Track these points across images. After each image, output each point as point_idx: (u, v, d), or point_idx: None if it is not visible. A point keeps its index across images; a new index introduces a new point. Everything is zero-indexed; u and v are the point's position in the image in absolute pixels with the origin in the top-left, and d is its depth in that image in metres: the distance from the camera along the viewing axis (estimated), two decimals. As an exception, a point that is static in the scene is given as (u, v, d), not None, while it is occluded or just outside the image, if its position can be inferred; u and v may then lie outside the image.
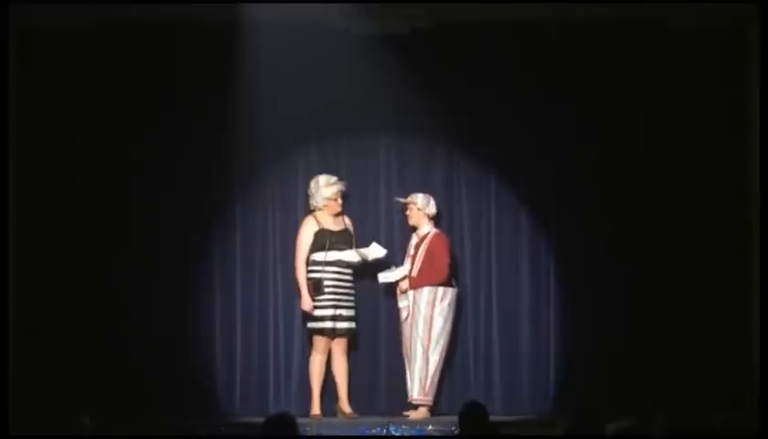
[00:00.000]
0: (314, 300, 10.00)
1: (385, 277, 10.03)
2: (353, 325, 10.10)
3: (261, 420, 6.37)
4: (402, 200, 10.12)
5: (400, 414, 9.91)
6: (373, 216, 10.51)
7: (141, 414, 9.37)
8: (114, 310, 10.07)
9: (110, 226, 10.17)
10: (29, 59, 10.11)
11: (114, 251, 10.14)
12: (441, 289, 9.94)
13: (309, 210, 10.19)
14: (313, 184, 10.16)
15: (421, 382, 9.87)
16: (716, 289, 10.18)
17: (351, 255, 10.03)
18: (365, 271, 10.24)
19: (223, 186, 10.40)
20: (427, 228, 10.08)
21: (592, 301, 10.27)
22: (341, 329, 10.02)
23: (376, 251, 10.07)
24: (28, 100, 10.10)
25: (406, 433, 9.29)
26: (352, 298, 10.11)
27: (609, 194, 10.33)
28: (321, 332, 10.02)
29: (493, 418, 6.98)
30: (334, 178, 10.16)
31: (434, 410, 9.96)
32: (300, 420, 9.41)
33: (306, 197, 10.24)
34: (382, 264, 10.16)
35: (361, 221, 10.40)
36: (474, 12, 10.18)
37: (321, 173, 10.28)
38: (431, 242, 9.99)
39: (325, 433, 9.25)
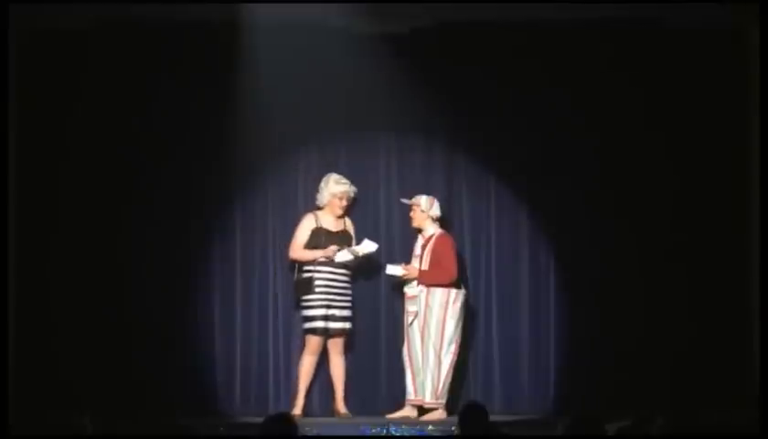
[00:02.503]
0: (304, 299, 10.04)
1: (392, 269, 10.01)
2: (347, 325, 10.11)
3: (261, 420, 6.37)
4: (407, 201, 10.12)
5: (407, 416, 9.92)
6: (373, 216, 10.51)
7: (141, 414, 9.37)
8: (114, 310, 10.07)
9: (110, 226, 10.16)
10: (29, 59, 10.11)
11: (114, 251, 10.13)
12: (453, 291, 9.94)
13: (315, 207, 10.23)
14: (324, 180, 10.20)
15: (433, 386, 9.86)
16: (716, 289, 10.19)
17: (343, 255, 10.04)
18: (366, 270, 10.25)
19: (223, 186, 10.40)
20: (432, 229, 10.09)
21: (592, 301, 10.27)
22: (334, 329, 10.04)
23: (367, 246, 10.08)
24: (28, 100, 10.10)
25: (406, 433, 9.29)
26: (347, 298, 10.12)
27: (609, 194, 10.33)
28: (313, 332, 10.05)
29: (493, 418, 6.98)
30: (345, 180, 10.19)
31: (450, 410, 9.89)
32: (300, 420, 9.53)
33: (314, 193, 10.27)
34: (372, 260, 10.19)
35: (361, 221, 10.40)
36: (474, 12, 10.18)
37: (321, 173, 10.33)
38: (435, 243, 10.00)
39: (324, 433, 9.25)
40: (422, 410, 9.92)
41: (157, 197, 10.23)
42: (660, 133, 10.31)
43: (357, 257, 10.07)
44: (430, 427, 9.45)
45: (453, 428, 8.78)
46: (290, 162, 10.52)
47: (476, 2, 10.16)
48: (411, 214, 10.12)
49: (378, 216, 10.51)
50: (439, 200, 10.21)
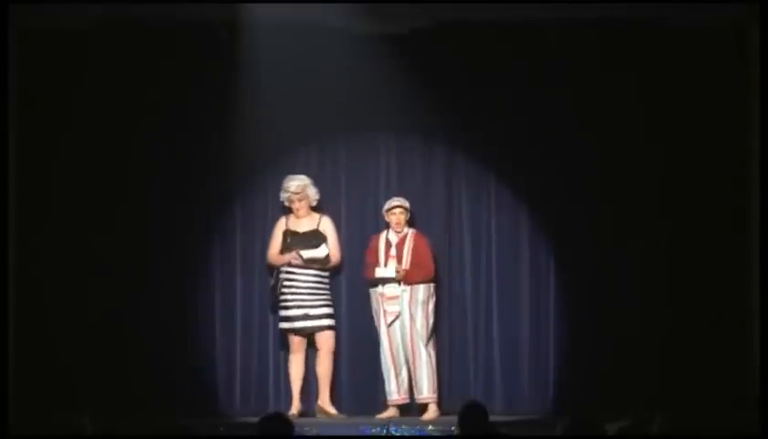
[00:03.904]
0: (278, 300, 10.12)
1: (384, 272, 10.03)
2: (323, 322, 10.12)
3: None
4: (400, 204, 10.11)
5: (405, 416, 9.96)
6: (373, 216, 10.50)
7: (141, 414, 9.37)
8: (114, 310, 10.07)
9: (109, 226, 10.16)
10: (29, 59, 10.11)
11: (114, 252, 10.13)
12: (431, 286, 10.08)
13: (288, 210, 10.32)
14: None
15: (429, 380, 9.96)
16: (716, 289, 10.18)
17: (296, 256, 10.09)
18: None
19: (223, 186, 10.41)
20: (406, 228, 10.14)
21: (592, 301, 10.27)
22: (311, 328, 10.08)
23: (313, 251, 10.11)
24: (28, 100, 10.09)
25: (406, 433, 9.30)
26: (321, 296, 10.13)
27: (609, 194, 10.33)
28: (288, 332, 10.13)
29: (493, 418, 6.98)
30: (292, 182, 10.17)
31: (450, 410, 9.97)
32: (300, 420, 9.53)
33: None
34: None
35: (361, 221, 10.40)
36: (474, 12, 10.18)
37: (320, 173, 10.39)
38: (415, 242, 10.10)
39: (324, 433, 9.26)
40: (420, 407, 9.96)
41: (157, 197, 10.23)
42: (660, 132, 10.30)
43: (301, 258, 10.08)
44: (430, 427, 9.47)
45: (452, 428, 8.79)
46: (290, 162, 10.52)
47: (476, 2, 10.16)
48: (401, 217, 10.11)
49: (377, 216, 10.49)
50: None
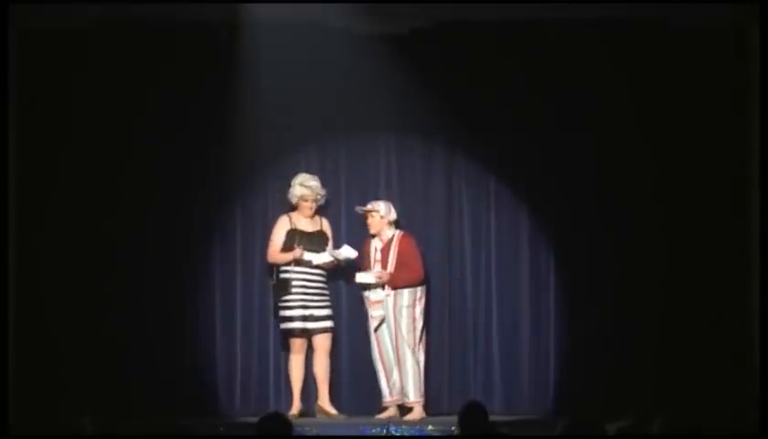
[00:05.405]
0: (282, 300, 10.06)
1: (364, 277, 10.03)
2: (326, 324, 10.13)
3: (259, 420, 6.38)
4: (363, 209, 10.11)
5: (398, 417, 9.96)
6: (373, 216, 10.51)
7: (141, 414, 9.37)
8: (114, 310, 10.07)
9: (110, 226, 10.16)
10: (29, 59, 10.11)
11: (114, 252, 10.13)
12: (419, 289, 10.04)
13: (289, 208, 10.25)
14: (293, 179, 10.19)
15: (415, 383, 9.94)
16: (716, 289, 10.18)
17: (323, 257, 10.05)
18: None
19: (223, 186, 10.41)
20: (390, 232, 10.13)
21: (592, 301, 10.28)
22: (314, 329, 10.07)
23: (347, 252, 10.10)
24: (28, 100, 10.09)
25: (406, 433, 9.30)
26: (325, 298, 10.14)
27: (609, 194, 10.33)
28: (291, 332, 10.10)
29: (493, 418, 6.99)
30: (313, 182, 10.18)
31: (429, 406, 10.05)
32: (300, 420, 9.53)
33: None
34: (355, 266, 10.21)
35: (361, 221, 10.39)
36: (474, 12, 10.18)
37: (321, 173, 10.38)
38: (401, 245, 10.05)
39: (324, 433, 9.26)
40: (404, 409, 9.99)
41: (157, 196, 10.23)
42: (660, 133, 10.31)
43: (337, 260, 10.08)
44: (430, 427, 9.46)
45: (452, 428, 8.79)
46: (290, 162, 10.52)
47: (476, 2, 10.16)
48: (369, 221, 10.11)
49: (377, 216, 10.50)
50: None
